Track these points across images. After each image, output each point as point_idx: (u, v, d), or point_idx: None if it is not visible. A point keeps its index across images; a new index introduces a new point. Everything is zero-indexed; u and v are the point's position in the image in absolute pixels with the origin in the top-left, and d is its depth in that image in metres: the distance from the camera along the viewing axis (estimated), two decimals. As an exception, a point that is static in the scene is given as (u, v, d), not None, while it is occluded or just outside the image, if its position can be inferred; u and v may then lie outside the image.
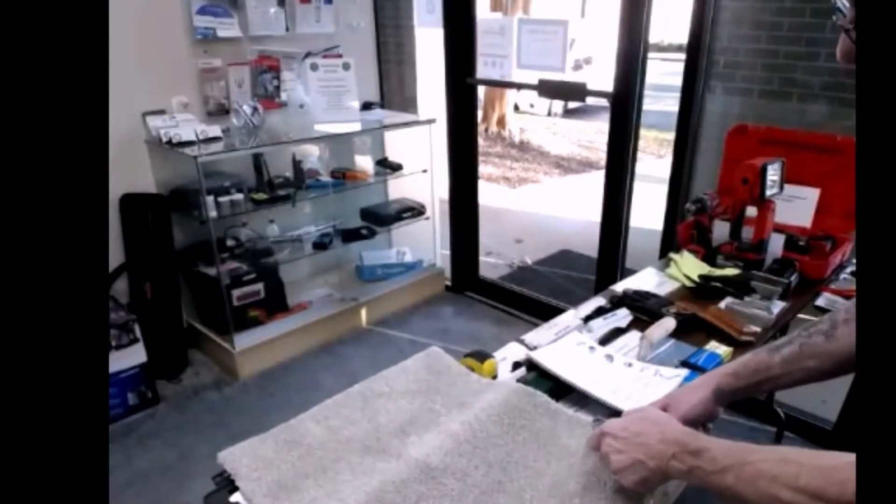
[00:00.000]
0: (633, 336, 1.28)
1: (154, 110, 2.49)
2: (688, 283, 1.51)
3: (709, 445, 0.71)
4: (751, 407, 2.32)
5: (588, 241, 3.47)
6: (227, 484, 0.92)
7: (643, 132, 2.84)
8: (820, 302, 1.49)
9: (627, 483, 0.80)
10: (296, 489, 0.88)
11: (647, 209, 3.08)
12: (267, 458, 0.94)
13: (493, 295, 3.33)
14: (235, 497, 0.89)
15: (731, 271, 1.53)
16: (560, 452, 0.94)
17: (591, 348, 1.21)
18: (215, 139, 2.47)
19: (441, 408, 1.04)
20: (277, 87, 2.80)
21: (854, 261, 1.66)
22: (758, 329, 1.29)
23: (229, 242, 2.69)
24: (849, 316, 0.85)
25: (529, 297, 3.19)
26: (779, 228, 1.60)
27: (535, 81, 2.70)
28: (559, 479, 0.90)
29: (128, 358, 2.36)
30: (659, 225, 2.49)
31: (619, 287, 1.49)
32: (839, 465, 0.57)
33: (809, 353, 0.86)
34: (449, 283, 3.46)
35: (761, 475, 0.64)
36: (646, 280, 1.56)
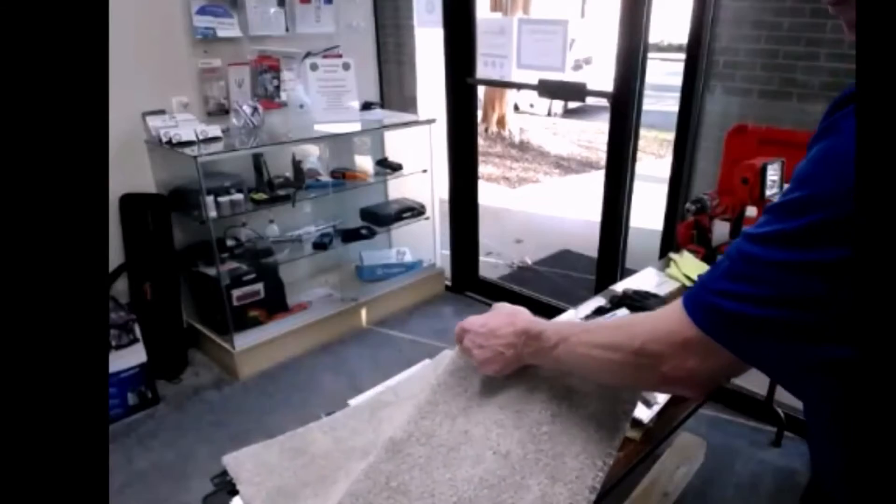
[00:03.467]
0: (633, 336, 1.27)
1: (154, 110, 2.49)
2: (688, 283, 1.51)
3: (545, 328, 0.83)
4: (751, 407, 2.32)
5: (588, 241, 3.47)
6: (226, 486, 0.91)
7: (643, 132, 2.83)
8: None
9: (489, 372, 0.91)
10: (294, 497, 0.88)
11: (647, 209, 3.09)
12: (270, 464, 0.93)
13: (493, 295, 3.33)
14: (235, 501, 0.88)
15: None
16: (519, 378, 0.93)
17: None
18: (215, 139, 2.47)
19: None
20: (277, 87, 2.80)
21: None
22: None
23: (229, 242, 2.69)
24: None
25: (529, 297, 3.19)
26: (779, 228, 1.60)
27: (535, 81, 2.70)
28: (522, 408, 0.89)
29: (128, 358, 2.36)
30: (659, 225, 2.49)
31: (619, 287, 1.49)
32: (630, 320, 0.71)
33: None
34: (449, 283, 3.46)
35: (578, 343, 0.77)
36: (646, 280, 1.56)
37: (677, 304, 0.62)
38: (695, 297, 0.60)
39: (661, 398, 1.14)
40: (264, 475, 0.91)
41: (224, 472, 0.94)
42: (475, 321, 0.92)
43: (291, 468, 0.93)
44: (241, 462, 0.93)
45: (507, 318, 0.88)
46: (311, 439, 0.99)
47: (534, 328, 0.83)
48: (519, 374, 0.93)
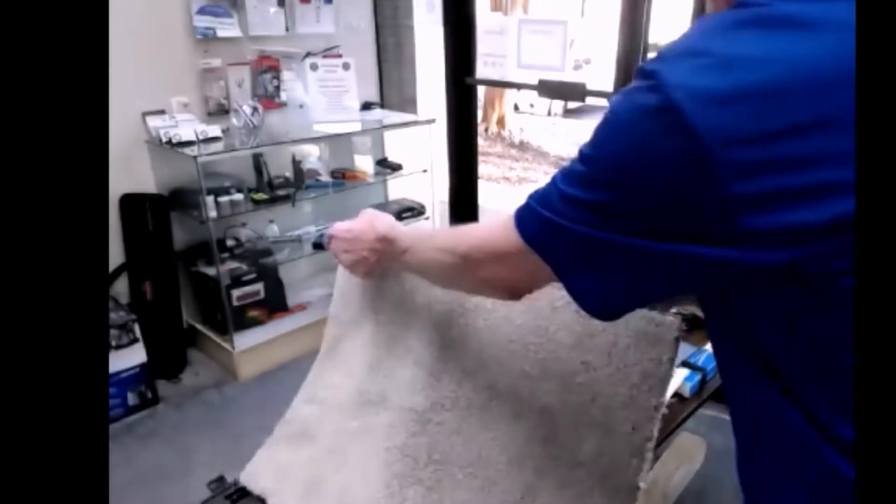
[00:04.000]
0: (633, 336, 1.27)
1: (154, 110, 2.49)
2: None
3: (399, 235, 0.86)
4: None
5: (588, 241, 3.46)
6: (222, 490, 0.91)
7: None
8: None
9: (358, 275, 0.96)
10: (322, 481, 0.86)
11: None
12: (283, 462, 0.92)
13: (493, 295, 3.32)
14: None
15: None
16: (529, 319, 0.84)
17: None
18: (215, 139, 2.47)
19: (383, 314, 0.98)
20: (277, 87, 2.80)
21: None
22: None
23: (229, 242, 2.69)
24: None
25: (529, 297, 3.18)
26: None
27: (535, 81, 2.70)
28: (546, 356, 0.82)
29: (128, 358, 2.36)
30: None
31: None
32: (466, 227, 0.74)
33: None
34: (449, 283, 3.45)
35: (424, 248, 0.80)
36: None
37: (507, 216, 0.65)
38: (523, 208, 0.63)
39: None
40: (284, 478, 0.89)
41: (221, 478, 0.93)
42: (342, 227, 0.95)
43: (302, 456, 0.91)
44: (258, 473, 0.91)
45: (368, 223, 0.90)
46: (302, 418, 0.98)
47: (391, 233, 0.86)
48: (525, 313, 0.86)
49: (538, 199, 0.60)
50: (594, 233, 0.52)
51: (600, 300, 0.58)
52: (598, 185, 0.51)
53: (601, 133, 0.52)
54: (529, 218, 0.61)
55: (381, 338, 0.98)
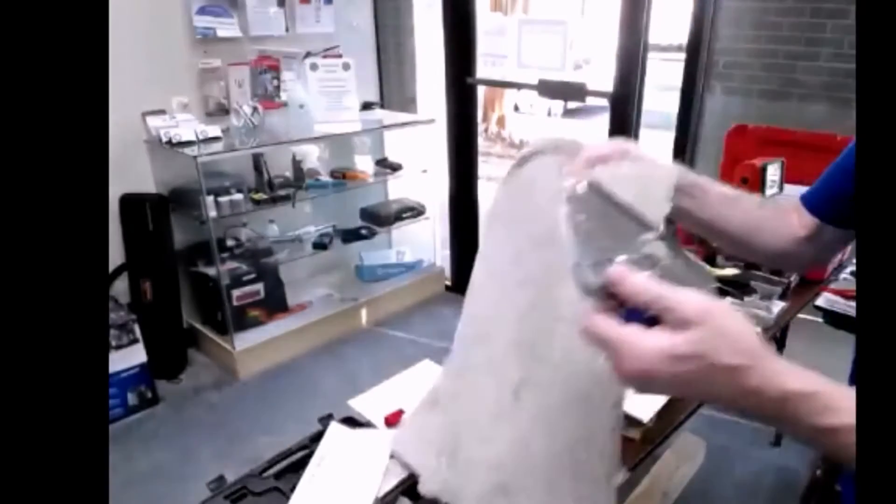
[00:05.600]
0: (634, 336, 1.27)
1: (154, 110, 2.49)
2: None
3: (813, 387, 0.42)
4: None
5: (588, 242, 3.45)
6: (222, 490, 0.91)
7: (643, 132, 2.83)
8: (820, 302, 1.49)
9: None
10: (457, 450, 0.90)
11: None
12: (425, 432, 0.96)
13: (493, 295, 3.32)
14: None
15: (731, 271, 1.53)
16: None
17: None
18: (215, 139, 2.47)
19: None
20: (277, 87, 2.80)
21: (854, 261, 1.66)
22: (758, 329, 1.28)
23: (229, 242, 2.69)
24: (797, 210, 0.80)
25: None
26: (779, 228, 1.60)
27: (535, 81, 2.70)
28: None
29: (128, 358, 2.36)
30: (659, 225, 2.49)
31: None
32: None
33: (749, 206, 0.79)
34: (449, 283, 3.46)
35: None
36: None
37: None
38: None
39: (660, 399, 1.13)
40: (424, 444, 0.94)
41: (221, 478, 0.93)
42: (663, 297, 0.43)
43: (436, 425, 0.94)
44: (405, 441, 0.97)
45: (724, 339, 0.42)
46: (441, 391, 0.99)
47: (802, 385, 0.42)
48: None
49: None
50: None
51: None
52: None
53: None
54: None
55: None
